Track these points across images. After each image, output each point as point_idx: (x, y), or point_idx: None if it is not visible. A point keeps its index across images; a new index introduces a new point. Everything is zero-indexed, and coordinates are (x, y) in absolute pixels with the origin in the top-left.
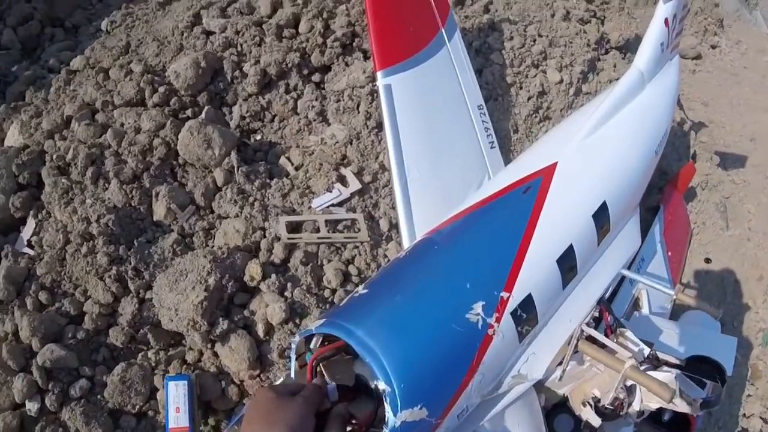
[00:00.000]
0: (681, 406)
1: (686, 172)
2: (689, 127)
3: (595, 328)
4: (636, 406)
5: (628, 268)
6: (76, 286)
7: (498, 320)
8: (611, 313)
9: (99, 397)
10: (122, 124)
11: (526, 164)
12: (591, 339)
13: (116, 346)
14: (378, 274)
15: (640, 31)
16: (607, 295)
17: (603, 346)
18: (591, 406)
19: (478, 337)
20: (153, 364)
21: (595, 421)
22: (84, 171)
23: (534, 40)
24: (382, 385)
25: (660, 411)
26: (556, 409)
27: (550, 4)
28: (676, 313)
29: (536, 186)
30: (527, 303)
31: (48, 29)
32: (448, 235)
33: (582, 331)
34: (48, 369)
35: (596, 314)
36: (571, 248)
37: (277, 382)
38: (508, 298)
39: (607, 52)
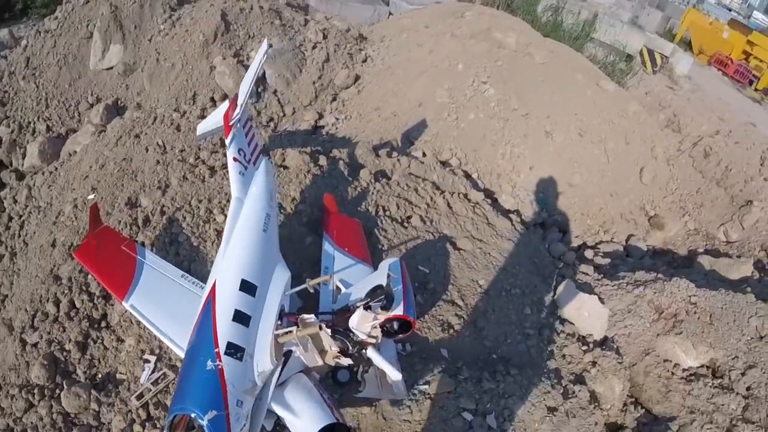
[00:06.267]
0: (382, 316)
1: (327, 200)
2: (347, 154)
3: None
4: (363, 337)
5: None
6: None
7: (219, 360)
8: (289, 315)
9: None
10: (32, 422)
11: (206, 291)
12: (283, 335)
13: None
14: None
15: None
16: (287, 309)
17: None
18: (340, 357)
19: (216, 371)
20: None
21: (347, 361)
22: None
23: (197, 207)
24: (192, 414)
25: (389, 327)
26: (335, 372)
27: (198, 174)
28: None
29: (210, 299)
30: (230, 345)
31: None
32: (190, 341)
33: (276, 335)
34: None
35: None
36: (236, 311)
37: None
38: (219, 349)
39: None
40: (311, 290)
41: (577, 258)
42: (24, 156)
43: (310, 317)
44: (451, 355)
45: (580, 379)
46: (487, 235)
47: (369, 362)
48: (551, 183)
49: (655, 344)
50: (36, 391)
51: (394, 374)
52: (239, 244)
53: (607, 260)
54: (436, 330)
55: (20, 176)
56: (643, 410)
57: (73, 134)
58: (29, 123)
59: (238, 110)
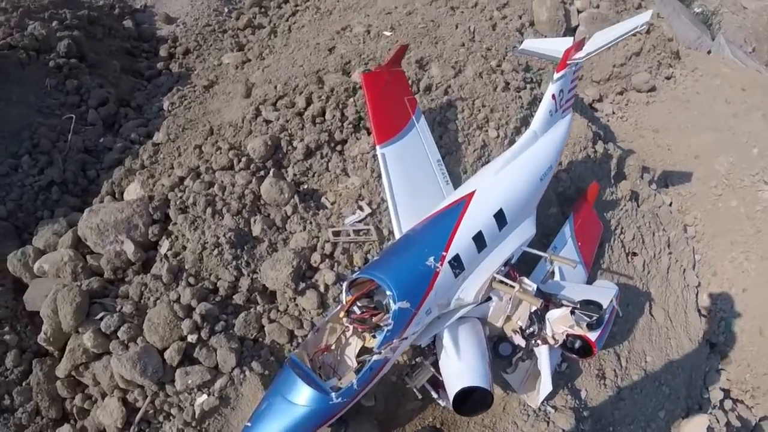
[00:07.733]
0: (579, 329)
1: (592, 189)
2: (619, 155)
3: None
4: (549, 333)
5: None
6: (210, 273)
7: (441, 264)
8: (513, 269)
9: (231, 331)
10: (222, 181)
11: (459, 193)
12: (501, 282)
13: (239, 304)
14: (384, 248)
15: None
16: (513, 260)
17: (506, 285)
18: (518, 333)
19: (431, 272)
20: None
21: (521, 342)
22: (205, 209)
23: (479, 110)
24: (388, 291)
25: (572, 341)
26: (500, 340)
27: (493, 80)
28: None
29: (461, 204)
30: (456, 258)
31: (122, 109)
32: (419, 226)
33: (494, 277)
34: (203, 315)
35: (507, 271)
36: (480, 232)
37: None
38: (446, 255)
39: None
40: (548, 265)
41: (720, 401)
42: None
43: (531, 285)
44: (586, 400)
45: None
46: (678, 321)
47: (530, 355)
48: (746, 315)
49: None
50: (244, 159)
51: (547, 383)
52: (515, 175)
53: (739, 424)
54: (592, 370)
55: None
56: None
57: None
58: None
59: (581, 54)
